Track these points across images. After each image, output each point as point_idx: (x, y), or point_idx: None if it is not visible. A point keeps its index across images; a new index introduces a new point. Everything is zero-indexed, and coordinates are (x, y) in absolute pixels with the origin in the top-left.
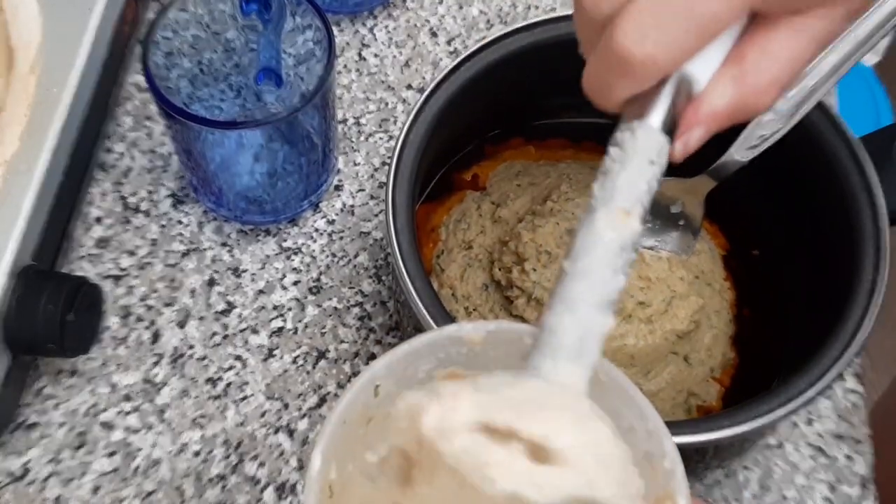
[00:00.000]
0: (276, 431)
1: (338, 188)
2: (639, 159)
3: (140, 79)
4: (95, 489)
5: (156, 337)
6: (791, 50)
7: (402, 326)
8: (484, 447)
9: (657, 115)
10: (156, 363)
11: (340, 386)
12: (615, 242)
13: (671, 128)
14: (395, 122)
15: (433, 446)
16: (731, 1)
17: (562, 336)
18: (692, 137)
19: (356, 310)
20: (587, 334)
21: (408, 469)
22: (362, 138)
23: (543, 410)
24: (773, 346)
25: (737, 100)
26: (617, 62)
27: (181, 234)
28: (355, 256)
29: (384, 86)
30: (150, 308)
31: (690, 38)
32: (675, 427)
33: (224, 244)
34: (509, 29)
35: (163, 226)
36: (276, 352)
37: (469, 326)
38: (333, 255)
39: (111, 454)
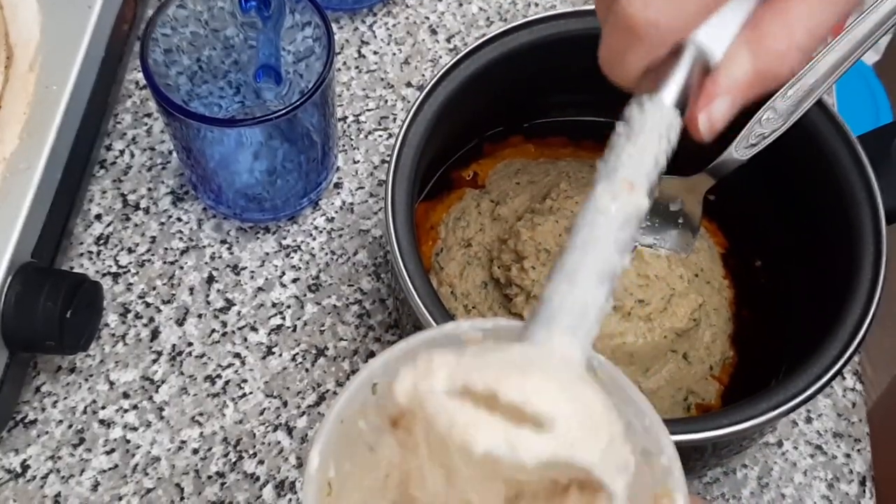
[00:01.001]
0: (275, 429)
1: (337, 186)
2: (646, 133)
3: (139, 76)
4: (95, 486)
5: (155, 334)
6: (810, 14)
7: (401, 324)
8: (460, 409)
9: (668, 89)
10: (155, 360)
11: (339, 383)
12: (619, 213)
13: (685, 104)
14: (394, 120)
15: (411, 412)
16: None
17: (558, 306)
18: (715, 110)
19: (355, 307)
20: (585, 307)
21: (402, 435)
22: (362, 136)
23: (528, 375)
24: (772, 345)
25: (757, 67)
26: (624, 30)
27: (180, 232)
28: (354, 254)
29: (384, 83)
30: (149, 305)
31: (696, 2)
32: (674, 425)
33: (223, 242)
34: (509, 26)
35: (162, 223)
36: (274, 349)
37: (466, 325)
38: (332, 252)
39: (110, 451)
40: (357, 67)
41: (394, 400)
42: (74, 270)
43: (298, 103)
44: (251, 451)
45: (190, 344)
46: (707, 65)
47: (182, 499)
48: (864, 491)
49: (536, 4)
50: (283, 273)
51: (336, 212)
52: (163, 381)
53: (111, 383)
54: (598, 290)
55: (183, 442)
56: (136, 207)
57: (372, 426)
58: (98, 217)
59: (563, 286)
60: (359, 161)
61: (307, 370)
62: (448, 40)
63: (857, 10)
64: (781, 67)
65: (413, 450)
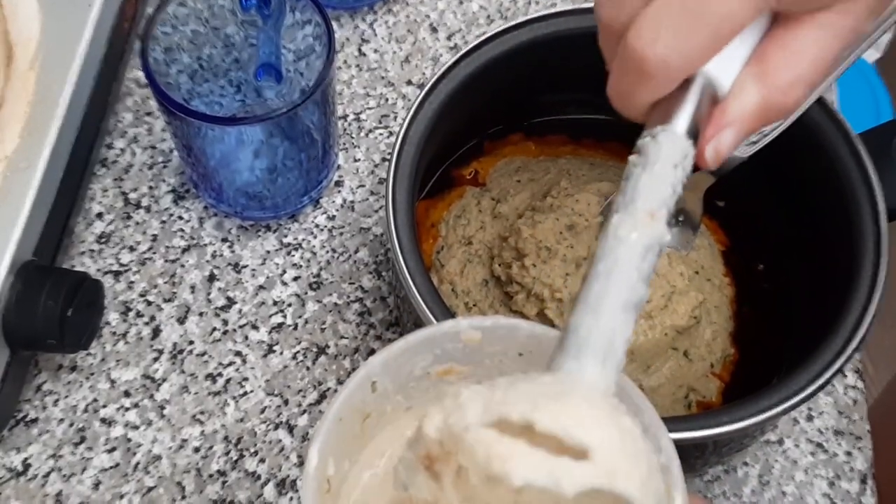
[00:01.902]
0: (276, 427)
1: (338, 184)
2: (662, 163)
3: (140, 74)
4: (96, 485)
5: (156, 332)
6: (814, 47)
7: (402, 322)
8: (497, 441)
9: (680, 119)
10: (156, 359)
11: (340, 382)
12: (639, 244)
13: (696, 133)
14: (395, 118)
15: (446, 453)
16: (745, 0)
17: (585, 336)
18: (723, 141)
19: (356, 305)
20: (612, 337)
21: (433, 468)
22: (362, 134)
23: (563, 404)
24: (773, 342)
25: (763, 98)
26: (633, 66)
27: (182, 230)
28: (355, 252)
29: (384, 81)
30: (150, 304)
31: (704, 39)
32: (674, 423)
33: (224, 240)
34: (509, 24)
35: (163, 221)
36: (275, 347)
37: (465, 323)
38: (333, 250)
39: (111, 450)
40: (358, 65)
41: (423, 437)
42: (76, 269)
43: (299, 102)
44: (252, 450)
45: (191, 342)
46: (715, 95)
47: (183, 497)
48: (865, 489)
49: (537, 3)
50: (284, 271)
51: (337, 210)
52: (164, 380)
53: (112, 382)
54: (624, 320)
55: (184, 440)
56: (138, 206)
57: (406, 466)
58: (99, 215)
59: (589, 317)
60: (359, 159)
61: (308, 368)
62: (448, 38)
63: (859, 43)
64: (787, 99)
65: (445, 491)
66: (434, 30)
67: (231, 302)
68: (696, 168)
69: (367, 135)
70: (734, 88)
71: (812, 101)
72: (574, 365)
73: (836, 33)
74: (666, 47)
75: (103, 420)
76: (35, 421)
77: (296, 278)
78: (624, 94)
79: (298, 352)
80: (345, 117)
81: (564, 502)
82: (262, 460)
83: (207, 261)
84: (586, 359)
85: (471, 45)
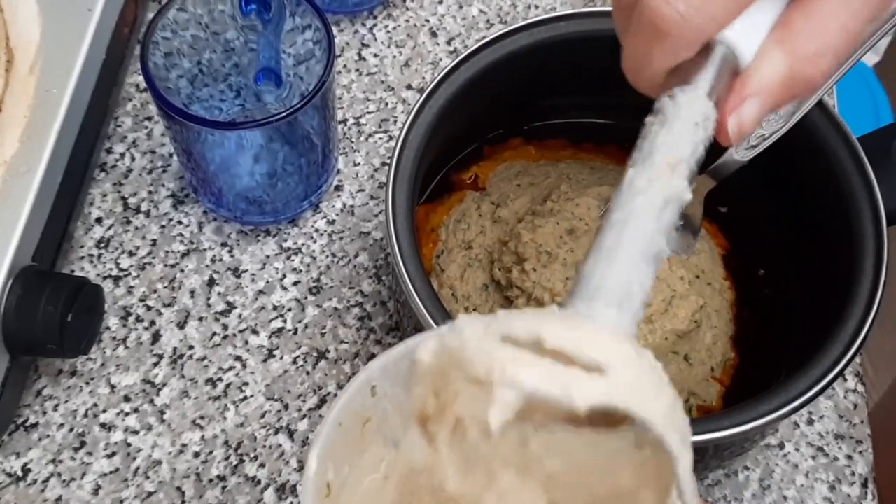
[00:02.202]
0: (277, 432)
1: (338, 188)
2: (682, 121)
3: (140, 79)
4: (96, 490)
5: (155, 337)
6: (842, 16)
7: (403, 327)
8: (500, 349)
9: (701, 81)
10: (155, 364)
11: (340, 386)
12: (658, 195)
13: (715, 102)
14: (394, 123)
15: (444, 373)
16: None
17: (598, 282)
18: (746, 113)
19: (356, 310)
20: (629, 285)
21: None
22: (362, 138)
23: (575, 326)
24: (773, 346)
25: (787, 69)
26: (651, 28)
27: (181, 235)
28: (355, 257)
29: (384, 86)
30: (149, 308)
31: None
32: None
33: (224, 244)
34: (509, 29)
35: (163, 226)
36: (275, 352)
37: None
38: (333, 255)
39: (111, 455)
40: (357, 70)
41: (418, 367)
42: (75, 274)
43: (299, 106)
44: (252, 455)
45: (191, 347)
46: (736, 67)
47: (183, 502)
48: (866, 493)
49: (536, 7)
50: (284, 276)
51: (337, 214)
52: (164, 385)
53: (112, 387)
54: (642, 269)
55: (184, 445)
56: (137, 210)
57: (398, 417)
58: (99, 220)
59: (602, 264)
60: (359, 163)
61: (308, 373)
62: (448, 43)
63: (887, 14)
64: (814, 70)
65: (438, 447)
66: (434, 34)
67: (231, 307)
68: (699, 169)
69: (366, 139)
70: (758, 57)
71: (812, 104)
72: (585, 307)
73: (864, 2)
74: (686, 5)
75: (103, 425)
76: (35, 426)
77: (296, 283)
78: (640, 61)
79: (298, 356)
80: (345, 122)
81: (577, 451)
82: (262, 465)
83: (207, 265)
84: (599, 303)
85: (470, 50)
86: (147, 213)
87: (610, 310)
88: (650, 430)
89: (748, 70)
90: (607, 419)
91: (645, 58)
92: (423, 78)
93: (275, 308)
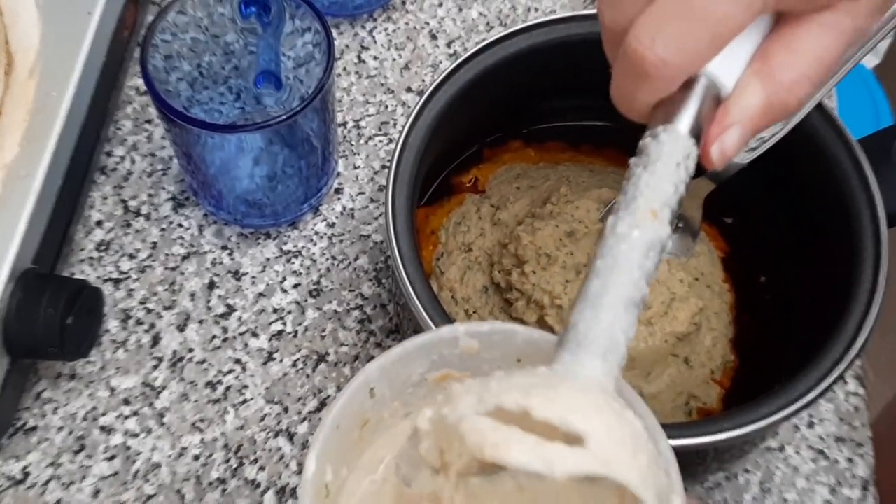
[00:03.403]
0: (276, 435)
1: (338, 191)
2: (664, 162)
3: (140, 82)
4: (95, 493)
5: (155, 340)
6: (818, 46)
7: (402, 329)
8: (491, 427)
9: (683, 118)
10: (155, 367)
11: (340, 389)
12: (641, 241)
13: (699, 134)
14: (394, 125)
15: (440, 441)
16: (743, 1)
17: (584, 331)
18: (728, 140)
19: (356, 313)
20: (612, 332)
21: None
22: (362, 141)
23: (560, 392)
24: (773, 349)
25: (766, 98)
26: (633, 68)
27: (181, 238)
28: (355, 259)
29: (384, 88)
30: (149, 311)
31: (702, 40)
32: (675, 429)
33: (224, 247)
34: (509, 31)
35: (163, 229)
36: (275, 355)
37: (462, 329)
38: (333, 258)
39: (111, 458)
40: (357, 73)
41: (417, 433)
42: (75, 277)
43: (299, 109)
44: (252, 458)
45: (191, 350)
46: (718, 96)
47: None
48: (867, 496)
49: (536, 9)
50: (284, 278)
51: (337, 217)
52: (163, 388)
53: (112, 390)
54: (626, 316)
55: (184, 448)
56: (137, 213)
57: (409, 462)
58: (99, 223)
59: (588, 312)
60: (359, 166)
61: (308, 376)
62: (448, 45)
63: (862, 41)
64: (791, 97)
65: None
66: (433, 37)
67: (231, 309)
68: (699, 171)
69: (366, 142)
70: (738, 87)
71: (812, 106)
72: (572, 359)
73: (839, 32)
74: (665, 48)
75: (103, 428)
76: (34, 429)
77: (296, 286)
78: (626, 96)
79: (298, 359)
80: (344, 124)
81: (568, 495)
82: (261, 468)
83: (207, 268)
84: (585, 354)
85: (470, 52)
86: (147, 216)
87: (595, 361)
88: (627, 488)
89: (729, 100)
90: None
91: (631, 93)
92: (423, 80)
93: (275, 311)
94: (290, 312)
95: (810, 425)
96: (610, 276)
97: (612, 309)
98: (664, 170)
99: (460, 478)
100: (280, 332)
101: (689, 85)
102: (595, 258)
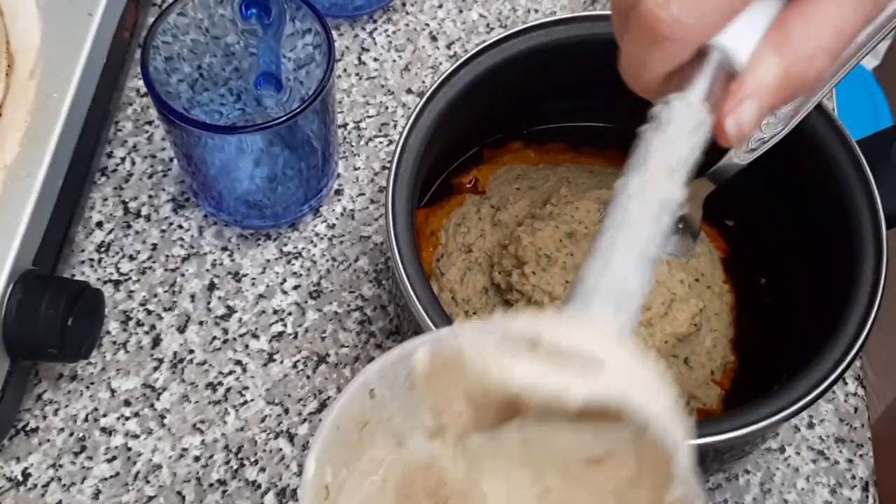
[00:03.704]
0: (277, 436)
1: (338, 192)
2: (676, 126)
3: (140, 83)
4: (96, 494)
5: (156, 342)
6: (836, 16)
7: (403, 330)
8: (496, 351)
9: (695, 87)
10: (156, 368)
11: (341, 390)
12: (653, 199)
13: (711, 108)
14: (394, 127)
15: (440, 375)
16: None
17: (594, 283)
18: (744, 114)
19: (356, 314)
20: (624, 286)
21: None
22: (362, 142)
23: (572, 326)
24: (773, 349)
25: (784, 70)
26: (646, 30)
27: (181, 239)
28: (355, 260)
29: (384, 90)
30: (150, 313)
31: (720, 2)
32: None
33: (224, 248)
34: (509, 32)
35: (163, 230)
36: (276, 356)
37: (463, 328)
38: (334, 259)
39: (111, 459)
40: (357, 74)
41: (416, 364)
42: (76, 278)
43: (299, 110)
44: (253, 459)
45: (191, 351)
46: (731, 71)
47: None
48: (867, 497)
49: (536, 11)
50: (285, 280)
51: (337, 218)
52: (164, 389)
53: (112, 391)
54: (638, 272)
55: (184, 449)
56: (137, 215)
57: (401, 419)
58: (99, 224)
59: (598, 263)
60: (359, 167)
61: (308, 377)
62: (448, 47)
63: (878, 20)
64: (809, 70)
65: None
66: (434, 38)
67: (231, 311)
68: (700, 172)
69: (366, 143)
70: (754, 59)
71: (811, 108)
72: (583, 307)
73: (860, 2)
74: (680, 8)
75: (103, 429)
76: (35, 430)
77: (296, 287)
78: (636, 64)
79: (299, 360)
80: (344, 126)
81: (578, 443)
82: (262, 469)
83: (207, 270)
84: (596, 302)
85: (470, 54)
86: (147, 218)
87: (606, 307)
88: (647, 425)
89: (745, 72)
90: (606, 418)
91: (641, 62)
92: (423, 82)
93: (275, 312)
94: (290, 314)
95: (810, 426)
96: (620, 231)
97: (623, 261)
98: (677, 133)
99: (459, 441)
100: (280, 334)
101: (700, 58)
102: (606, 216)
